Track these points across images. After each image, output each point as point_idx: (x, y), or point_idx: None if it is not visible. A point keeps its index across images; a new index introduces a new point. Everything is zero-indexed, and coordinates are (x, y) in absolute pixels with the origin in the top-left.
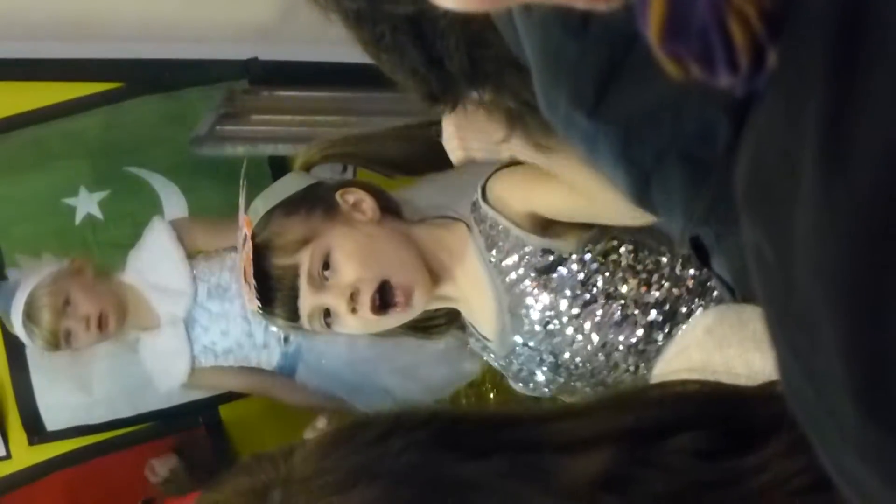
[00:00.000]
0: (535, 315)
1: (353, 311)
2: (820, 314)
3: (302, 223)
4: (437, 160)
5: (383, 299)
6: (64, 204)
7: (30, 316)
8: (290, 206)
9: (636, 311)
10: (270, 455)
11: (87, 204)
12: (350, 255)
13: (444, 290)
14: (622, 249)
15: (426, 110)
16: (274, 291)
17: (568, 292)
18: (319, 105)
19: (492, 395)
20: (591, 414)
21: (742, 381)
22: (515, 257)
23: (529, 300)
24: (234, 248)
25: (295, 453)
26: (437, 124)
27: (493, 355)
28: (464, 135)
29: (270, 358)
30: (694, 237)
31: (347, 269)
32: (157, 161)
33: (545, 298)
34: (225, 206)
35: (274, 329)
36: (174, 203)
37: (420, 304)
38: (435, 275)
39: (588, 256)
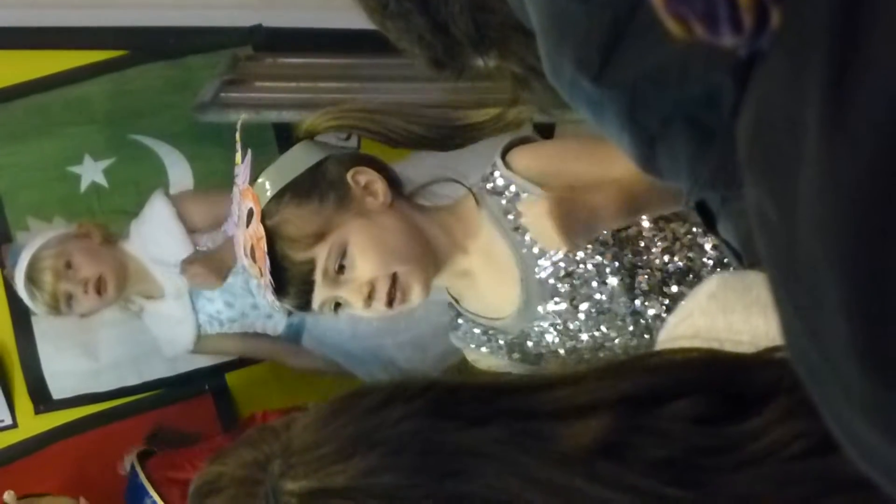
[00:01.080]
0: (563, 275)
1: (368, 304)
2: (822, 272)
3: (315, 214)
4: (442, 141)
5: (393, 291)
6: (69, 172)
7: (31, 278)
8: (302, 191)
9: (658, 278)
10: (272, 426)
11: (91, 172)
12: (367, 253)
13: (454, 271)
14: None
15: (431, 76)
16: (287, 282)
17: (597, 257)
18: (323, 71)
19: None
20: (588, 381)
21: (745, 346)
22: None
23: (561, 258)
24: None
25: (295, 423)
26: (449, 106)
27: (494, 339)
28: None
29: (276, 327)
30: (700, 201)
31: (364, 267)
32: (162, 128)
33: (572, 261)
34: (229, 174)
35: None
36: (179, 170)
37: (417, 299)
38: (443, 260)
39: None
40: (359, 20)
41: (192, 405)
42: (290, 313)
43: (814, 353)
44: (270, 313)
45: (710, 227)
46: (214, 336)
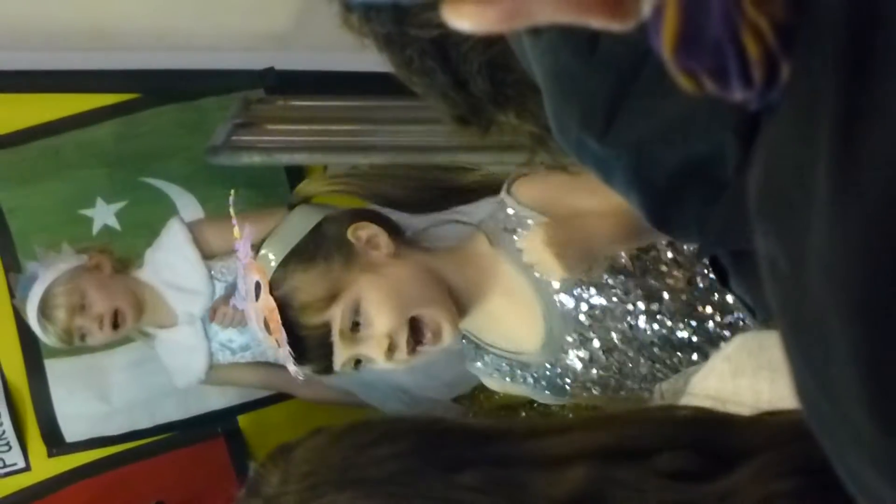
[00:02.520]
0: (585, 307)
1: (390, 357)
2: (833, 324)
3: (323, 276)
4: (439, 201)
5: (415, 337)
6: (81, 215)
7: (44, 313)
8: (306, 256)
9: (685, 300)
10: (287, 445)
11: (104, 215)
12: (380, 306)
13: (473, 313)
14: (661, 244)
15: (445, 123)
16: (306, 349)
17: (618, 286)
18: (335, 114)
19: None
20: (573, 431)
21: (746, 411)
22: None
23: (582, 292)
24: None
25: (298, 449)
26: (441, 168)
27: (518, 372)
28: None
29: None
30: (712, 258)
31: (381, 321)
32: (174, 171)
33: (593, 291)
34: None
35: None
36: (191, 213)
37: (449, 338)
38: (463, 300)
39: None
40: (370, 62)
41: (205, 448)
42: None
43: (824, 404)
44: None
45: (723, 282)
46: (226, 366)
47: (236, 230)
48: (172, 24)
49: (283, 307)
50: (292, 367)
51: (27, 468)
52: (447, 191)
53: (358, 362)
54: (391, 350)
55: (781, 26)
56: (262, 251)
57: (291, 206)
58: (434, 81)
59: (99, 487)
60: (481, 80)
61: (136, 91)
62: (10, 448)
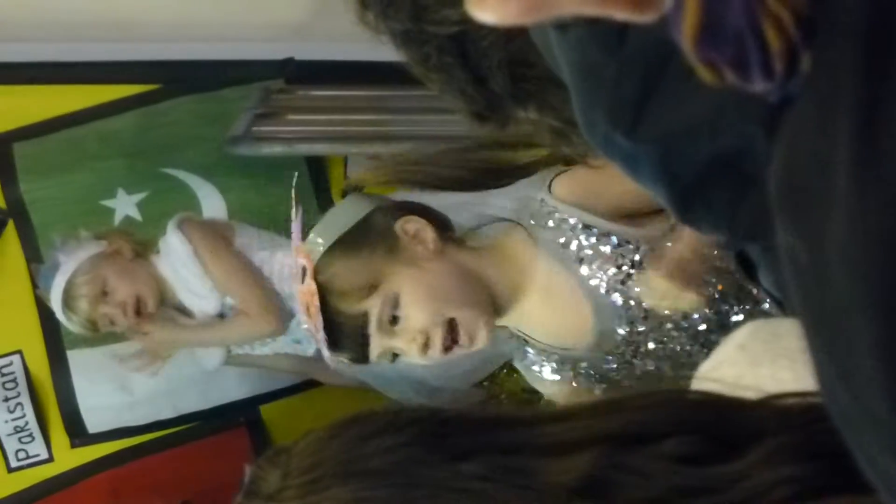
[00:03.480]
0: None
1: (424, 352)
2: (854, 315)
3: (365, 266)
4: (489, 180)
5: (451, 337)
6: (102, 205)
7: (68, 304)
8: (351, 245)
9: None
10: (284, 446)
11: (125, 205)
12: (419, 302)
13: (516, 312)
14: None
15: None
16: (341, 336)
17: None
18: (356, 104)
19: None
20: (580, 417)
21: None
22: (604, 249)
23: (633, 285)
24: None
25: (297, 445)
26: (488, 146)
27: (568, 367)
28: None
29: (305, 350)
30: (740, 252)
31: (418, 316)
32: (195, 161)
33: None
34: (263, 206)
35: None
36: (212, 203)
37: (483, 342)
38: (503, 300)
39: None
40: (390, 52)
41: (227, 438)
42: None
43: (846, 396)
44: (299, 338)
45: (751, 276)
46: (243, 355)
47: (293, 213)
48: (193, 15)
49: (324, 293)
50: (326, 353)
51: (50, 459)
52: (501, 170)
53: (395, 355)
54: (425, 347)
55: (802, 17)
56: (311, 235)
57: (344, 194)
58: (452, 78)
59: (121, 478)
60: (501, 76)
61: (156, 82)
62: (33, 439)
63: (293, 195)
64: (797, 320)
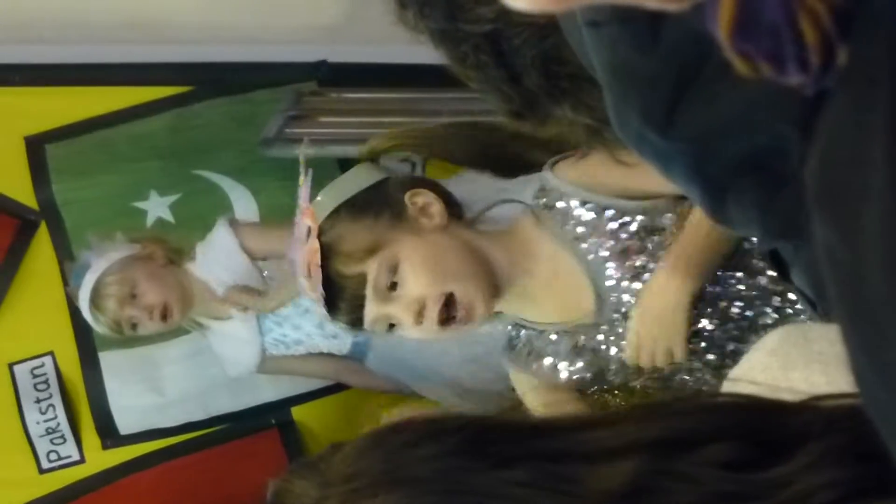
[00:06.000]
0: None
1: (419, 322)
2: (890, 309)
3: (369, 229)
4: (501, 159)
5: (447, 313)
6: (135, 207)
7: (95, 303)
8: (358, 207)
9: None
10: (321, 455)
11: (157, 207)
12: (418, 269)
13: (519, 293)
14: None
15: (494, 112)
16: (338, 298)
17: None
18: (388, 106)
19: None
20: (623, 423)
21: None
22: (601, 222)
23: (631, 257)
24: None
25: (337, 454)
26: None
27: (559, 344)
28: None
29: (341, 347)
30: (772, 250)
31: (415, 284)
32: (227, 163)
33: (642, 256)
34: (295, 208)
35: None
36: (244, 205)
37: (480, 319)
38: (504, 282)
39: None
40: (423, 54)
41: (258, 440)
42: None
43: (881, 390)
44: (336, 333)
45: (783, 276)
46: (278, 357)
47: (301, 178)
48: (226, 18)
49: (326, 253)
50: (321, 311)
51: (81, 460)
52: (510, 158)
53: (391, 325)
54: (420, 316)
55: (839, 11)
56: (319, 198)
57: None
58: (488, 76)
59: (153, 479)
60: (535, 74)
61: (189, 84)
62: (65, 440)
63: (301, 160)
64: (834, 316)
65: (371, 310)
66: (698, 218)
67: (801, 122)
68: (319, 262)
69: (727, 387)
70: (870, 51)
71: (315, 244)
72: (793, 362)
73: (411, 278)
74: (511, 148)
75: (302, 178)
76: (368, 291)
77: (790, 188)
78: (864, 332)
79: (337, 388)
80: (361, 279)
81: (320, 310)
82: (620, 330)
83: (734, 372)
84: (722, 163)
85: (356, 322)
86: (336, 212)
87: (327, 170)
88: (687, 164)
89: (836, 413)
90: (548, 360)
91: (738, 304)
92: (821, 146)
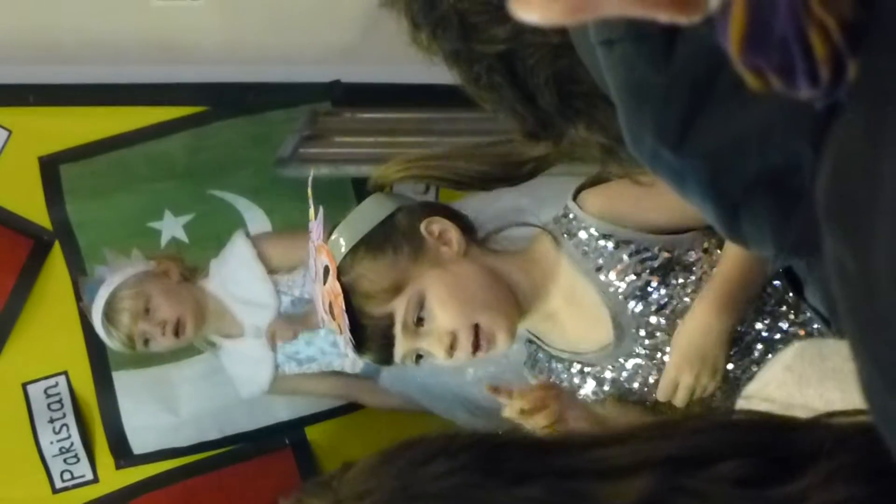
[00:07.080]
0: (654, 303)
1: (451, 354)
2: None
3: (390, 267)
4: (510, 176)
5: (474, 342)
6: (149, 227)
7: (108, 317)
8: (376, 244)
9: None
10: (331, 473)
11: (172, 227)
12: (446, 304)
13: (537, 314)
14: None
15: (507, 131)
16: (367, 337)
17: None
18: (402, 126)
19: None
20: (636, 440)
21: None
22: (623, 256)
23: (652, 293)
24: None
25: (348, 471)
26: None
27: (578, 373)
28: None
29: (354, 365)
30: (787, 268)
31: (444, 318)
32: (242, 183)
33: (663, 290)
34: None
35: None
36: (258, 225)
37: (504, 346)
38: (525, 303)
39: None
40: (437, 75)
41: (272, 459)
42: None
43: (892, 403)
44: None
45: (798, 293)
46: (291, 376)
47: (311, 212)
48: (240, 38)
49: (349, 294)
50: (352, 354)
51: (95, 480)
52: (521, 163)
53: (419, 357)
54: (452, 348)
55: (849, 25)
56: (334, 236)
57: (368, 194)
58: (502, 97)
59: (167, 499)
60: (549, 94)
61: (204, 104)
62: (79, 460)
63: (309, 194)
64: (844, 332)
65: (402, 347)
66: (736, 252)
67: (815, 138)
68: (343, 306)
69: (741, 404)
70: (881, 65)
71: (336, 286)
72: (808, 378)
73: (440, 313)
74: (526, 168)
75: (312, 212)
76: (398, 330)
77: (804, 204)
78: (875, 346)
79: (351, 407)
80: (389, 318)
81: (349, 350)
82: (642, 362)
83: (749, 388)
84: (736, 180)
85: (386, 359)
86: (354, 250)
87: (342, 189)
88: (701, 182)
89: (848, 430)
90: (566, 385)
91: (759, 346)
92: (831, 160)
